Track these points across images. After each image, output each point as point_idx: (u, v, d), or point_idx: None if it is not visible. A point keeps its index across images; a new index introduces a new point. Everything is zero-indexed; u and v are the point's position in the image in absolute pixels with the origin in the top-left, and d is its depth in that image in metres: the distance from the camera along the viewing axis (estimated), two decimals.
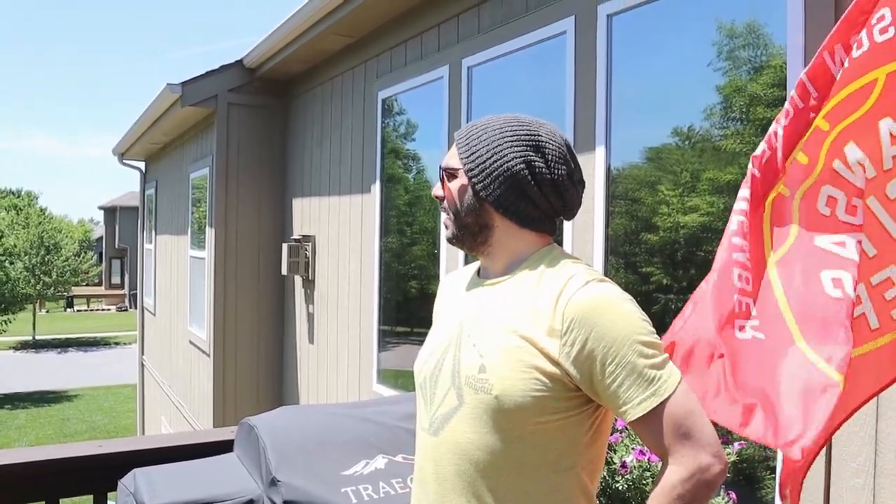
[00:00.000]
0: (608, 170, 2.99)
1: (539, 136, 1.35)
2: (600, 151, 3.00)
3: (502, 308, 1.31)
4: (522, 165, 1.33)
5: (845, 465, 2.01)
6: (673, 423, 1.19)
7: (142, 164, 11.37)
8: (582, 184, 1.39)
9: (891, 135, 1.51)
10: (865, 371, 1.55)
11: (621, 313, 1.22)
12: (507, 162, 1.33)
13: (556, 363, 1.22)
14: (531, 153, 1.33)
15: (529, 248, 1.37)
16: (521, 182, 1.33)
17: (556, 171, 1.34)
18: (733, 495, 2.20)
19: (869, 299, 1.55)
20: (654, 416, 1.19)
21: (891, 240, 1.54)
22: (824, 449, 2.04)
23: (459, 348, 1.34)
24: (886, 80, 1.49)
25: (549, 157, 1.34)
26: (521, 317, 1.27)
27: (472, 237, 1.39)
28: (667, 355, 1.24)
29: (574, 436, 1.27)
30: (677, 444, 1.19)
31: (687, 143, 2.79)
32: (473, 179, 1.36)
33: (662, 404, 1.19)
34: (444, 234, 1.45)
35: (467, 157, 1.37)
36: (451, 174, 1.40)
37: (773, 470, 2.24)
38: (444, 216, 1.43)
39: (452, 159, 1.41)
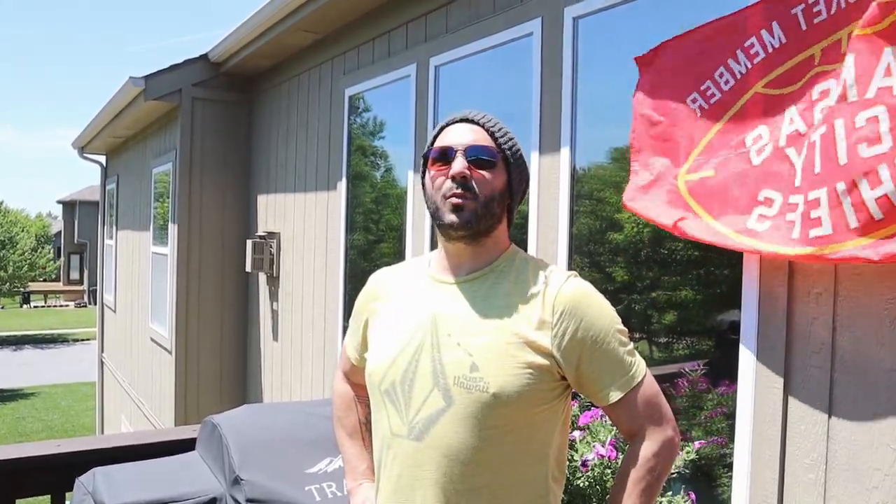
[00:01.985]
0: (573, 170, 3.03)
1: None
2: (565, 152, 3.03)
3: (485, 305, 1.33)
4: (527, 166, 1.45)
5: (798, 461, 2.07)
6: (644, 404, 1.33)
7: (102, 159, 11.16)
8: None
9: (888, 67, 1.60)
10: None
11: (602, 305, 1.35)
12: (525, 162, 1.44)
13: (546, 353, 1.29)
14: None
15: (504, 246, 1.42)
16: (528, 182, 1.46)
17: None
18: (692, 496, 2.25)
19: (800, 214, 1.77)
20: (630, 398, 1.32)
21: (836, 164, 1.69)
22: (778, 445, 2.09)
23: (439, 349, 1.31)
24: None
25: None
26: (507, 312, 1.31)
27: (488, 226, 1.36)
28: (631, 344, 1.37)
29: (552, 424, 1.34)
30: (648, 422, 1.33)
31: None
32: (513, 174, 1.40)
33: (637, 386, 1.33)
34: (448, 216, 1.33)
35: (510, 150, 1.40)
36: (488, 162, 1.35)
37: (730, 467, 2.29)
38: (456, 194, 1.32)
39: (485, 141, 1.36)
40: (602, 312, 1.33)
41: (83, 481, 2.01)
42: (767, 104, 2.01)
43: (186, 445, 2.37)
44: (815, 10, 1.91)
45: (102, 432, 11.00)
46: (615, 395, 1.31)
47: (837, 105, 1.72)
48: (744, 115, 2.06)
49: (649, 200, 2.22)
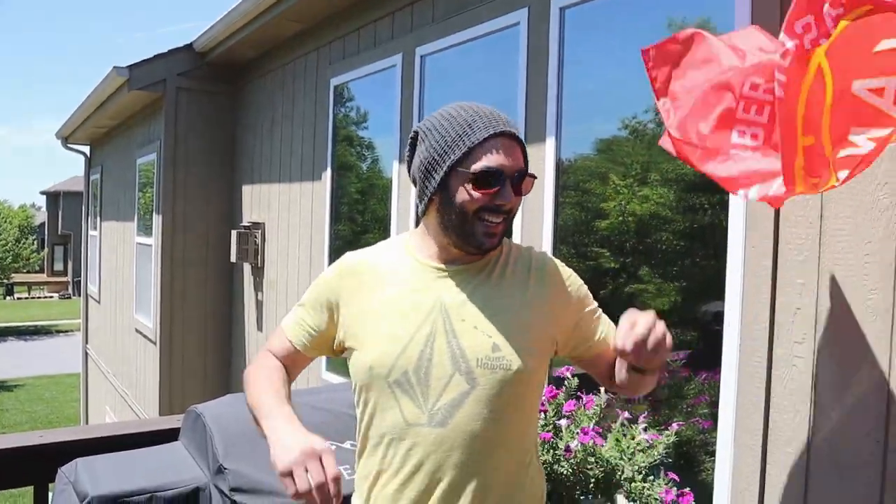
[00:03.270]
0: (558, 161, 3.03)
1: None
2: (550, 143, 3.03)
3: (491, 288, 1.38)
4: None
5: (780, 450, 2.09)
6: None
7: (86, 149, 11.06)
8: None
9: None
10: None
11: (569, 269, 1.51)
12: None
13: (554, 322, 1.41)
14: None
15: None
16: None
17: None
18: (675, 476, 2.27)
19: None
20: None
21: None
22: (760, 433, 2.11)
23: (455, 335, 1.32)
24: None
25: None
26: (513, 293, 1.38)
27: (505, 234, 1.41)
28: None
29: (541, 391, 1.48)
30: None
31: (635, 135, 2.84)
32: (529, 184, 1.37)
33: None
34: (482, 239, 1.33)
35: (527, 163, 1.37)
36: (526, 181, 1.36)
37: (713, 454, 2.31)
38: (497, 223, 1.33)
39: (523, 163, 1.35)
40: (572, 272, 1.49)
41: (65, 472, 2.00)
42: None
43: (170, 435, 2.35)
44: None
45: (87, 423, 10.94)
46: (612, 334, 1.43)
47: None
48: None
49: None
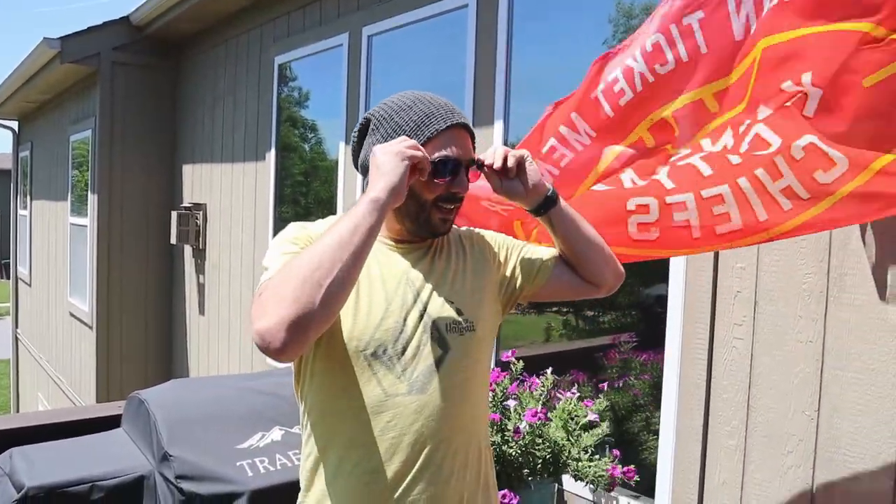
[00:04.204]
0: (506, 143, 3.04)
1: None
2: (498, 125, 3.04)
3: (444, 259, 1.45)
4: None
5: (720, 428, 2.15)
6: None
7: (15, 124, 10.61)
8: None
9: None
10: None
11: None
12: None
13: (501, 278, 1.51)
14: None
15: None
16: None
17: None
18: (617, 452, 2.33)
19: (696, 210, 1.73)
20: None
21: (728, 164, 1.68)
22: (702, 411, 2.17)
23: (425, 305, 1.37)
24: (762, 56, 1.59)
25: None
26: (461, 260, 1.47)
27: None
28: None
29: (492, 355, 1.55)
30: None
31: None
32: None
33: None
34: (437, 224, 1.40)
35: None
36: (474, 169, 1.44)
37: (656, 433, 2.37)
38: (450, 210, 1.40)
39: (472, 152, 1.41)
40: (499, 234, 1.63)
41: (0, 463, 1.93)
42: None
43: (111, 423, 2.30)
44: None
45: (18, 412, 10.59)
46: (549, 253, 1.55)
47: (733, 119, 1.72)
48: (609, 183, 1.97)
49: None
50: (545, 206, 1.46)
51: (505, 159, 1.40)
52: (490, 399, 2.23)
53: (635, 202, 1.83)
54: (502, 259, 1.53)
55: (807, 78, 1.52)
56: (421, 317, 1.35)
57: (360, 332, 1.32)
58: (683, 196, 1.74)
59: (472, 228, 1.58)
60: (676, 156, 1.82)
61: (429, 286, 1.39)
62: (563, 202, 1.48)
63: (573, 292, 1.58)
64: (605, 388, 2.57)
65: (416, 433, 1.31)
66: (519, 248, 1.57)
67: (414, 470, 1.32)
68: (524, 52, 3.02)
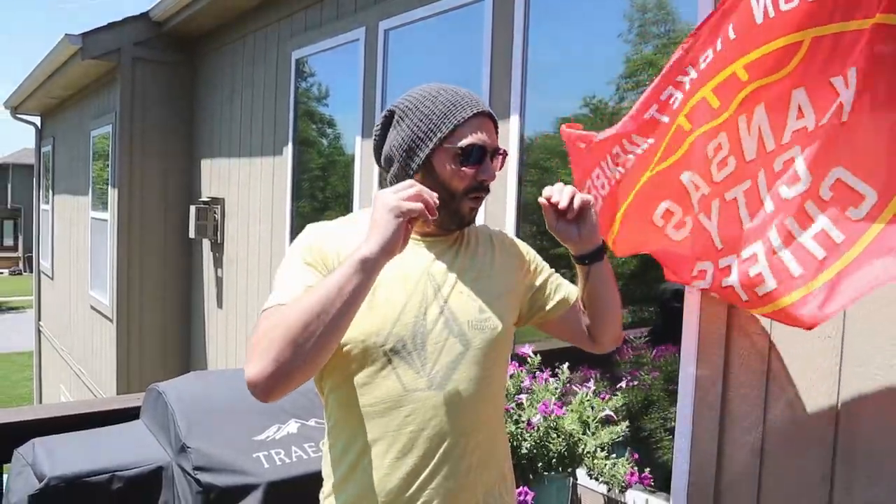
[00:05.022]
0: (522, 138, 3.03)
1: None
2: (514, 119, 3.03)
3: (468, 256, 1.46)
4: None
5: (736, 423, 2.14)
6: None
7: (37, 120, 10.72)
8: None
9: (799, 108, 1.57)
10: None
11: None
12: None
13: (525, 286, 1.54)
14: None
15: None
16: None
17: None
18: (636, 456, 2.32)
19: (738, 277, 1.70)
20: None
21: (765, 214, 1.63)
22: (718, 408, 2.16)
23: (445, 300, 1.38)
24: (811, 45, 1.52)
25: None
26: (489, 259, 1.48)
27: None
28: None
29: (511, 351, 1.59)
30: None
31: (597, 114, 2.85)
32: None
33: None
34: (466, 214, 1.41)
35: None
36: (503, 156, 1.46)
37: (671, 431, 2.36)
38: (480, 197, 1.42)
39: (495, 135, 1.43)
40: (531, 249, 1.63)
41: (22, 453, 1.96)
42: (665, 178, 1.91)
43: (130, 414, 2.33)
44: (670, 101, 1.87)
45: (41, 403, 10.74)
46: (574, 294, 1.58)
47: (758, 158, 1.66)
48: (645, 196, 1.97)
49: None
50: (592, 257, 1.48)
51: (571, 200, 1.41)
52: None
53: (699, 267, 1.87)
54: (532, 269, 1.56)
55: (851, 76, 1.44)
56: (441, 311, 1.36)
57: (377, 327, 1.32)
58: (729, 259, 1.75)
59: (504, 233, 1.59)
60: (721, 158, 1.78)
61: (451, 281, 1.40)
62: (606, 259, 1.51)
63: (570, 337, 1.63)
64: (623, 385, 2.56)
65: (434, 428, 1.32)
66: (550, 271, 1.61)
67: (432, 464, 1.33)
68: (541, 45, 3.01)
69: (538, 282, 1.57)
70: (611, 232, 2.09)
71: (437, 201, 1.25)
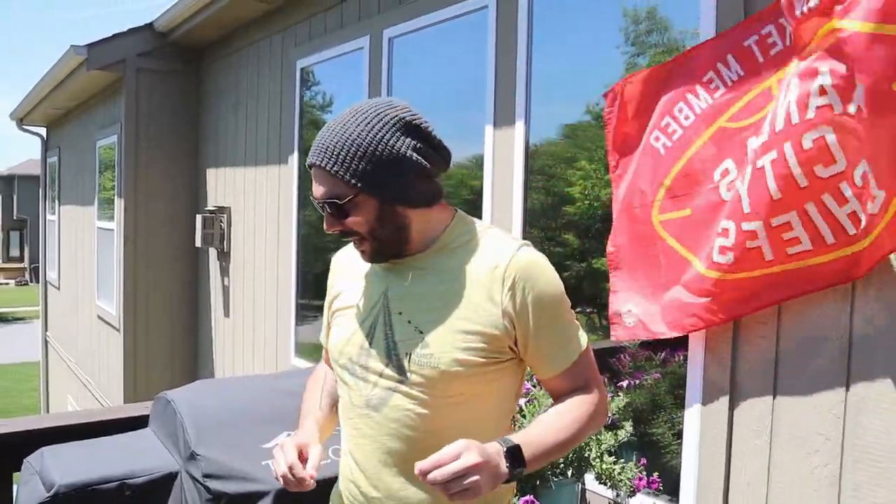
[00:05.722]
0: (527, 144, 3.04)
1: (395, 114, 1.29)
2: (520, 126, 3.04)
3: (435, 281, 1.33)
4: (411, 152, 1.27)
5: (745, 427, 2.14)
6: (584, 370, 1.37)
7: (43, 131, 10.79)
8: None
9: (821, 87, 1.68)
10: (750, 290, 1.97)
11: (551, 275, 1.34)
12: (398, 159, 1.26)
13: (498, 325, 1.29)
14: (404, 136, 1.28)
15: (442, 223, 1.38)
16: (418, 170, 1.29)
17: (433, 139, 1.32)
18: (644, 461, 2.32)
19: (766, 238, 1.87)
20: (574, 367, 1.35)
21: (797, 188, 1.77)
22: (726, 412, 2.16)
23: (391, 327, 1.34)
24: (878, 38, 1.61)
25: (419, 128, 1.30)
26: (456, 287, 1.31)
27: (395, 245, 1.34)
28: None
29: (505, 391, 1.38)
30: (587, 384, 1.38)
31: (599, 121, 2.86)
32: (377, 193, 1.27)
33: (580, 357, 1.36)
34: (358, 256, 1.38)
35: (355, 176, 1.25)
36: (343, 204, 1.28)
37: (679, 435, 2.36)
38: (351, 243, 1.39)
39: (334, 187, 1.28)
40: (551, 282, 1.33)
41: (31, 461, 1.96)
42: (731, 138, 2.04)
43: (139, 423, 2.32)
44: (769, 41, 1.95)
45: (48, 413, 10.75)
46: (561, 366, 1.34)
47: (785, 128, 1.77)
48: (708, 149, 2.09)
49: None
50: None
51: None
52: None
53: (721, 225, 1.97)
54: (526, 317, 1.29)
55: None
56: (386, 337, 1.34)
57: (334, 343, 1.44)
58: (755, 224, 1.87)
59: (516, 258, 1.30)
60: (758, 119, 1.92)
61: (403, 307, 1.34)
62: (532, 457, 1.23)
63: None
64: (625, 386, 2.56)
65: (372, 447, 1.37)
66: (548, 324, 1.31)
67: (370, 479, 1.38)
68: (543, 53, 3.02)
69: (525, 342, 1.32)
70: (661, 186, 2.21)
71: (296, 476, 1.34)
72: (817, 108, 1.69)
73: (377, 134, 1.26)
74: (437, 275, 1.33)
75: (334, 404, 1.54)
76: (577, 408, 1.34)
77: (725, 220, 1.96)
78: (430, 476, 1.12)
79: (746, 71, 2.01)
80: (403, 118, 1.28)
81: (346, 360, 1.40)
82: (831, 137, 1.68)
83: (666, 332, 2.17)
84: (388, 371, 1.33)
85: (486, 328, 1.28)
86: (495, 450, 1.19)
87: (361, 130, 1.26)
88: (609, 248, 2.38)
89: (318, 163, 1.28)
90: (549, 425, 1.31)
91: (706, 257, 2.02)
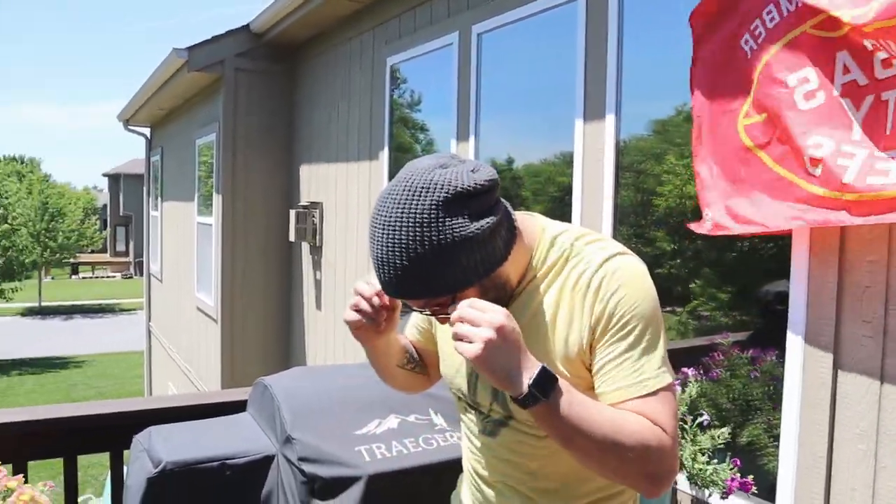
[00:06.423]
0: (617, 139, 2.99)
1: (435, 200, 1.12)
2: (610, 121, 3.00)
3: (530, 318, 1.26)
4: (474, 225, 1.14)
5: (849, 430, 2.05)
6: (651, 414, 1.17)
7: (147, 130, 11.33)
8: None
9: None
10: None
11: (638, 288, 1.21)
12: (469, 240, 1.13)
13: (586, 350, 1.22)
14: (458, 215, 1.13)
15: (527, 252, 1.28)
16: (491, 231, 1.16)
17: (480, 188, 1.15)
18: (738, 462, 2.25)
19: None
20: (631, 404, 1.16)
21: None
22: (827, 411, 2.07)
23: None
24: None
25: (463, 193, 1.13)
26: (552, 324, 1.25)
27: (503, 300, 1.24)
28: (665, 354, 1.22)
29: None
30: (665, 429, 1.16)
31: (689, 121, 2.79)
32: (472, 283, 1.17)
33: (645, 397, 1.17)
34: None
35: (444, 289, 1.16)
36: (446, 307, 1.19)
37: (777, 438, 2.28)
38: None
39: (428, 301, 1.20)
40: (634, 294, 1.19)
41: (140, 439, 2.09)
42: (815, 46, 1.95)
43: (237, 407, 2.43)
44: None
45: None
46: (626, 394, 1.16)
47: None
48: (789, 52, 2.01)
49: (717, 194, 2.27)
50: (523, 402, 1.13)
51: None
52: None
53: (815, 141, 1.92)
54: (595, 340, 1.21)
55: None
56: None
57: (445, 372, 1.48)
58: (862, 152, 1.83)
59: (599, 273, 1.21)
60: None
61: None
62: (550, 409, 1.09)
63: None
64: (690, 374, 2.49)
65: (490, 467, 1.41)
66: (611, 339, 1.19)
67: (484, 498, 1.43)
68: (633, 47, 2.97)
69: (591, 356, 1.22)
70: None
71: (375, 306, 1.32)
72: None
73: (437, 237, 1.12)
74: (533, 309, 1.27)
75: (406, 350, 1.59)
76: (640, 426, 1.13)
77: (819, 136, 1.91)
78: (458, 307, 1.11)
79: None
80: (444, 199, 1.12)
81: (456, 389, 1.45)
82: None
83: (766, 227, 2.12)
84: (495, 408, 1.35)
85: (582, 364, 1.23)
86: (530, 361, 1.09)
87: (418, 246, 1.12)
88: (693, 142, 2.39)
89: (400, 298, 1.24)
90: (601, 411, 1.12)
91: (798, 168, 1.97)
